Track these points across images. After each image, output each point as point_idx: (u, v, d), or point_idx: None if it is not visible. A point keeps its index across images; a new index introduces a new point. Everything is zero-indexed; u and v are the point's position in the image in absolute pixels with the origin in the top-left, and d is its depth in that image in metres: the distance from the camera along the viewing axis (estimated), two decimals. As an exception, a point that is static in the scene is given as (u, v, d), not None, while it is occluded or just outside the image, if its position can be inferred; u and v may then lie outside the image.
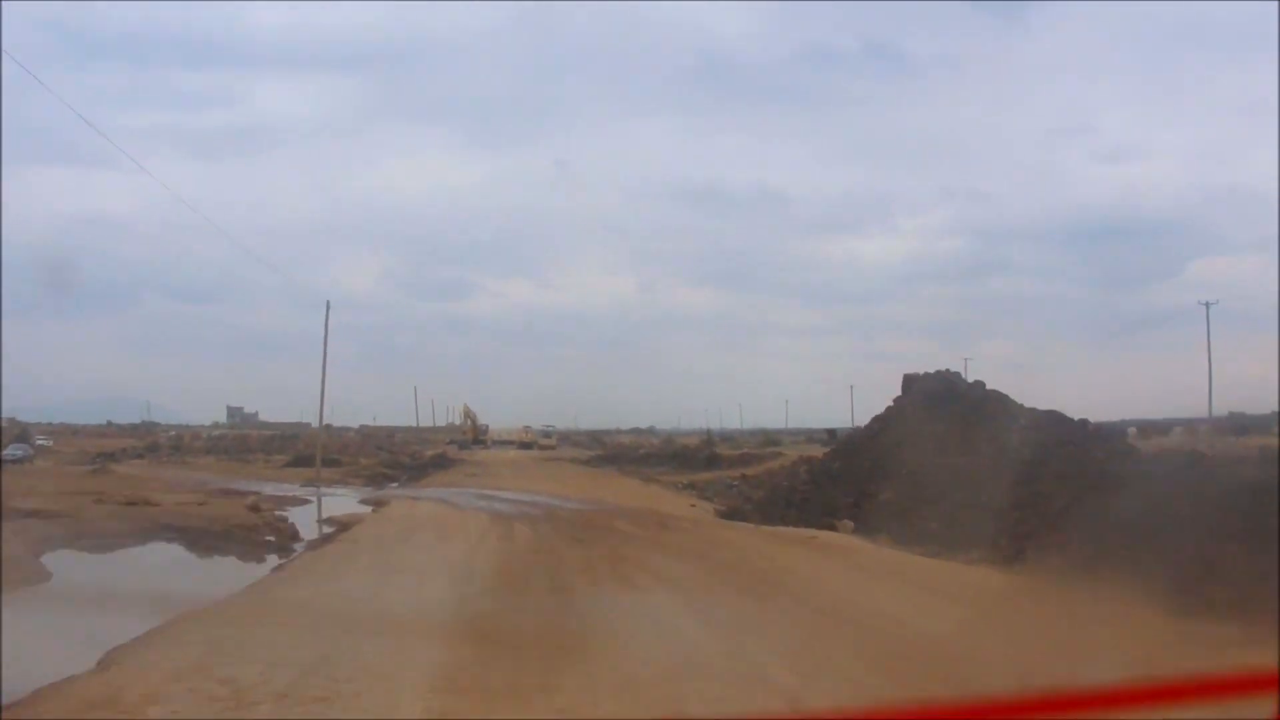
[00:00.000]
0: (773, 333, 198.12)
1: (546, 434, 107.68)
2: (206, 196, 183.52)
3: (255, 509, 34.84)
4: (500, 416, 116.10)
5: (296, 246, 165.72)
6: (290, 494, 43.48)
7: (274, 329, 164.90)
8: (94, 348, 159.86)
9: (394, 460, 73.44)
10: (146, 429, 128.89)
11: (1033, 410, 29.10)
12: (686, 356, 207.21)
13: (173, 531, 28.01)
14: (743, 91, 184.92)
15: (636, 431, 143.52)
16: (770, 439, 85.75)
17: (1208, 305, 69.42)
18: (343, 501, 41.04)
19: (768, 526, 25.69)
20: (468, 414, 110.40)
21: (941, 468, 27.44)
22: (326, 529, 29.74)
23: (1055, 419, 28.54)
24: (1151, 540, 19.54)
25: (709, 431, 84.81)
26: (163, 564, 23.94)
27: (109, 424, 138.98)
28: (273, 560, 23.65)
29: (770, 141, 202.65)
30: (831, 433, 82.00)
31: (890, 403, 30.80)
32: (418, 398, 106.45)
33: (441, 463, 69.90)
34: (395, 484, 54.98)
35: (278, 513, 33.95)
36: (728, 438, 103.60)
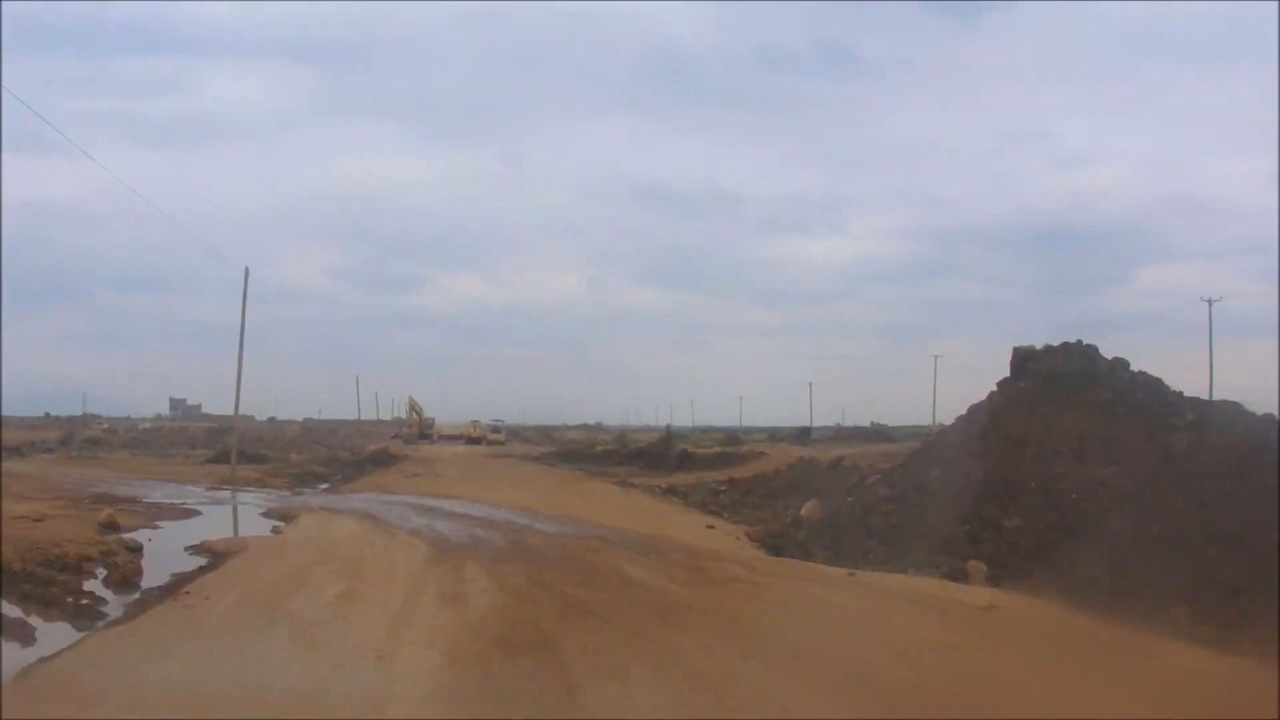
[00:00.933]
0: (723, 332, 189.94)
1: (496, 429, 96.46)
2: (153, 185, 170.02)
3: (111, 526, 23.91)
4: (448, 411, 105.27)
5: (243, 238, 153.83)
6: (183, 502, 32.19)
7: (221, 321, 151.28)
8: (36, 337, 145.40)
9: (330, 456, 62.13)
10: (84, 421, 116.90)
11: (1195, 400, 19.38)
12: (636, 354, 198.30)
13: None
14: (696, 92, 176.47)
15: (585, 427, 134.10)
16: (733, 437, 75.71)
17: (1210, 302, 61.27)
18: (245, 513, 29.97)
19: (861, 572, 15.42)
20: (413, 407, 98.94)
21: (1086, 482, 17.49)
22: (187, 565, 18.81)
23: (1232, 413, 18.82)
24: None
25: (668, 428, 74.40)
26: None
27: (47, 416, 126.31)
28: (53, 637, 12.82)
29: (722, 142, 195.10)
30: (805, 431, 72.29)
31: (994, 387, 20.71)
32: (360, 390, 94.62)
33: (382, 459, 58.84)
34: (325, 485, 44.01)
35: (137, 535, 22.88)
36: (681, 435, 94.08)
